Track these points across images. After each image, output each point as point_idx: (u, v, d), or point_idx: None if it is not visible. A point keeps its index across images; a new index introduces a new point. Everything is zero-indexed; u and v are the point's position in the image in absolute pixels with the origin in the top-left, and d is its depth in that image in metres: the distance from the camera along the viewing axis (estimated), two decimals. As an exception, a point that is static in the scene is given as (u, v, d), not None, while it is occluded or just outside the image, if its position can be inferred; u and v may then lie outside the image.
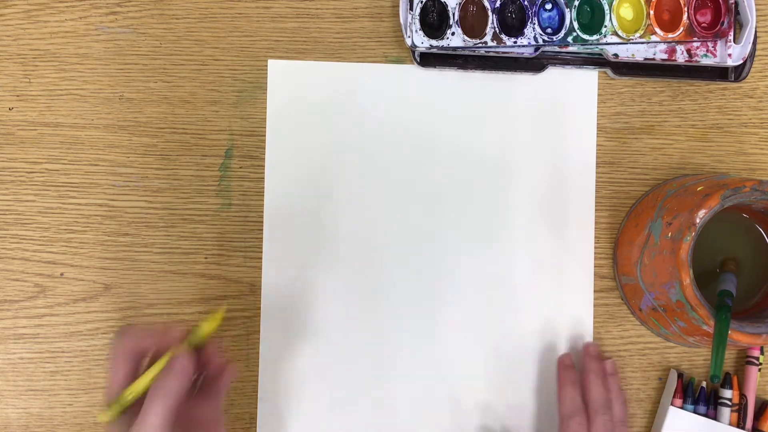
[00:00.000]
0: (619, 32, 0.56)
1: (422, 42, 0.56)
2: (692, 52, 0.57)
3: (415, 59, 0.58)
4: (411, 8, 0.56)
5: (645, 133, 0.60)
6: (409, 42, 0.56)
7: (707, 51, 0.57)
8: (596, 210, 0.59)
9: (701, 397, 0.57)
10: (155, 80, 0.58)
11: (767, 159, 0.60)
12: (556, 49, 0.58)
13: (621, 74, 0.59)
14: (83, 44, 0.58)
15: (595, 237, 0.59)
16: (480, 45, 0.56)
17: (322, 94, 0.59)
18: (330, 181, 0.58)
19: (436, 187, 0.59)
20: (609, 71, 0.59)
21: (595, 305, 0.59)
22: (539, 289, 0.59)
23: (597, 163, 0.59)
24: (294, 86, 0.59)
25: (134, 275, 0.58)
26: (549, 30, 0.57)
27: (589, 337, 0.58)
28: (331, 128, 0.59)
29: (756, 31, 0.58)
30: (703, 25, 0.57)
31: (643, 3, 0.57)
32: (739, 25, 0.58)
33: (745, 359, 0.58)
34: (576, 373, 0.56)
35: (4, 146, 0.58)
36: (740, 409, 0.56)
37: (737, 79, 0.59)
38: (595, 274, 0.59)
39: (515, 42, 0.56)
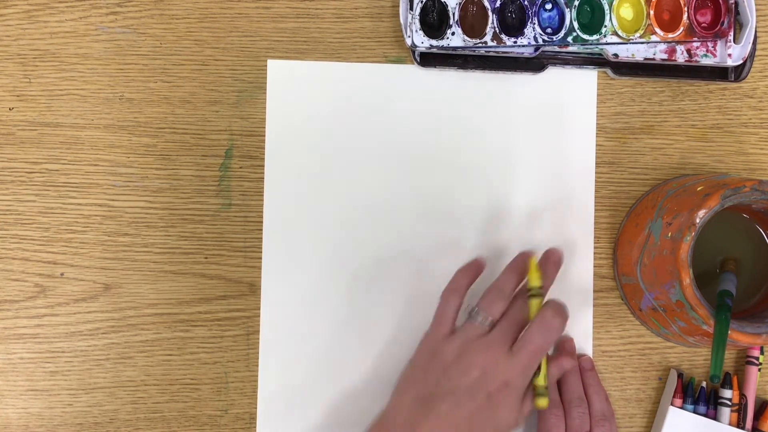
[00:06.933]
0: (619, 32, 0.56)
1: (422, 42, 0.56)
2: (692, 52, 0.57)
3: (415, 59, 0.58)
4: (411, 8, 0.56)
5: (645, 133, 0.60)
6: (409, 42, 0.56)
7: (707, 51, 0.57)
8: (596, 210, 0.59)
9: (701, 397, 0.57)
10: (155, 80, 0.58)
11: (767, 159, 0.60)
12: (556, 49, 0.58)
13: (621, 74, 0.59)
14: (83, 44, 0.58)
15: (595, 237, 0.59)
16: (480, 45, 0.56)
17: (322, 94, 0.59)
18: (330, 181, 0.58)
19: (435, 186, 0.59)
20: (609, 71, 0.59)
21: (595, 305, 0.59)
22: (539, 289, 0.58)
23: (597, 163, 0.59)
24: (294, 86, 0.59)
25: (134, 275, 0.58)
26: (549, 30, 0.57)
27: (589, 337, 0.58)
28: (330, 128, 0.59)
29: (756, 31, 0.58)
30: (703, 25, 0.57)
31: (643, 3, 0.57)
32: (739, 25, 0.58)
33: (745, 359, 0.58)
34: None
35: (4, 146, 0.58)
36: (740, 409, 0.56)
37: (737, 79, 0.59)
38: (595, 274, 0.59)
39: (515, 42, 0.56)
